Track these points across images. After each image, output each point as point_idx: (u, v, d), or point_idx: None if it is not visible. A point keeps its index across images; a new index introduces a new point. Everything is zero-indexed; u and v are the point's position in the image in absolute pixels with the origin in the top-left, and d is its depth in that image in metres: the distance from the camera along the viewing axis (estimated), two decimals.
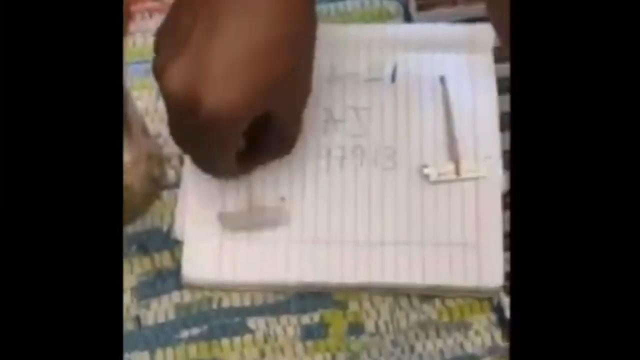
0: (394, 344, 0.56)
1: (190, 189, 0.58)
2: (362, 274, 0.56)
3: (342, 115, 0.60)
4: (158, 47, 0.52)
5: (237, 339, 0.56)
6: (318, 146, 0.59)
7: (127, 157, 0.52)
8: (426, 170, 0.58)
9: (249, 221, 0.57)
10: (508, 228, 0.57)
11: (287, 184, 0.58)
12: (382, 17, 0.65)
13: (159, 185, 0.58)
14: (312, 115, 0.59)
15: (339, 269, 0.57)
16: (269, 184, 0.58)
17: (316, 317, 0.56)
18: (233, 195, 0.58)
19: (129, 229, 0.58)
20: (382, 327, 0.56)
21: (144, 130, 0.57)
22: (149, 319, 0.56)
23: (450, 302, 0.57)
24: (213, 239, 0.57)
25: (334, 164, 0.59)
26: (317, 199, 0.58)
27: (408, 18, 0.65)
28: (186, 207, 0.58)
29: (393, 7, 0.65)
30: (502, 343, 0.56)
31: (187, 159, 0.58)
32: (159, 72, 0.50)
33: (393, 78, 0.61)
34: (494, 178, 0.58)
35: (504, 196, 0.58)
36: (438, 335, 0.56)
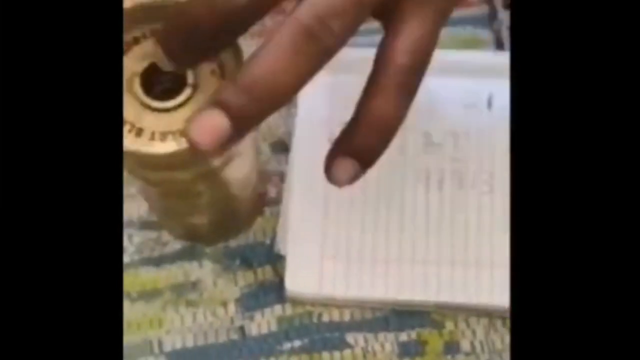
0: None
1: (292, 207, 0.60)
2: (458, 294, 0.58)
3: (440, 139, 0.62)
4: None
5: (336, 354, 0.57)
6: (417, 169, 0.61)
7: (240, 173, 0.54)
8: None
9: None
10: None
11: (386, 205, 0.60)
12: (474, 44, 0.66)
13: (263, 201, 0.60)
14: (412, 139, 0.61)
15: (435, 288, 0.58)
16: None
17: (413, 334, 0.58)
18: (334, 214, 0.59)
19: (232, 243, 0.60)
20: (478, 347, 0.58)
21: (257, 149, 0.58)
22: (252, 330, 0.58)
23: None
24: (314, 255, 0.59)
25: (432, 187, 0.60)
26: (415, 220, 0.60)
27: (500, 45, 0.66)
28: (288, 224, 0.59)
29: (485, 34, 0.66)
30: None
31: (290, 176, 0.60)
32: None
33: (489, 104, 0.63)
34: None
35: None
36: None
